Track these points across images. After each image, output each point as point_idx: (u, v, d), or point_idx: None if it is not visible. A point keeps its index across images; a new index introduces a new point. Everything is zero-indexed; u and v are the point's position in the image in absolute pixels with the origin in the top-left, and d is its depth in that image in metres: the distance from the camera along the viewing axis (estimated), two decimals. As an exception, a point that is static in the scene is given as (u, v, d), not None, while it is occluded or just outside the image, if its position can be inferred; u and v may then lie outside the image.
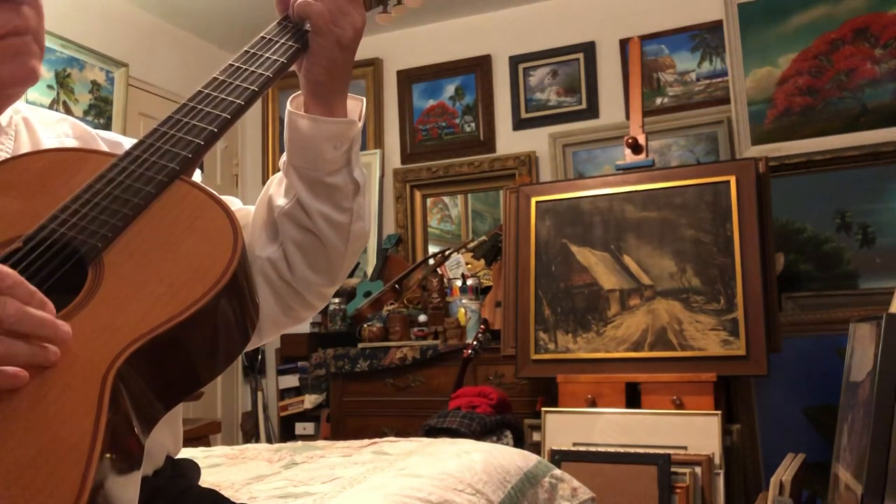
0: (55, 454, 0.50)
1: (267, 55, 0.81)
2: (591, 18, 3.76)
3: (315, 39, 0.81)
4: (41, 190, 0.69)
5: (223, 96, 0.77)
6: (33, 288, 0.55)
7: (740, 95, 3.22)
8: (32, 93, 3.08)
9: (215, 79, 0.79)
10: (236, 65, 0.81)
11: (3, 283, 0.53)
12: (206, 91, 0.78)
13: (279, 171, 0.90)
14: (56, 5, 3.16)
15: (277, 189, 0.90)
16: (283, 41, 0.83)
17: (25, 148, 0.83)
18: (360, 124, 0.87)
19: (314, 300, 0.94)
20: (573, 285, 2.77)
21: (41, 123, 0.89)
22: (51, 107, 3.12)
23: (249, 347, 0.95)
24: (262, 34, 0.85)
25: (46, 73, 3.17)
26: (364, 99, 0.88)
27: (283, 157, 0.88)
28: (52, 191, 0.69)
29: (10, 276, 0.53)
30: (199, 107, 0.76)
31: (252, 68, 0.80)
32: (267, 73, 0.80)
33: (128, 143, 0.94)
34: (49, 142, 0.87)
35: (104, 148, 0.90)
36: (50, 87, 3.19)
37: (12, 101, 0.83)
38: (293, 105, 0.87)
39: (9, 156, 0.81)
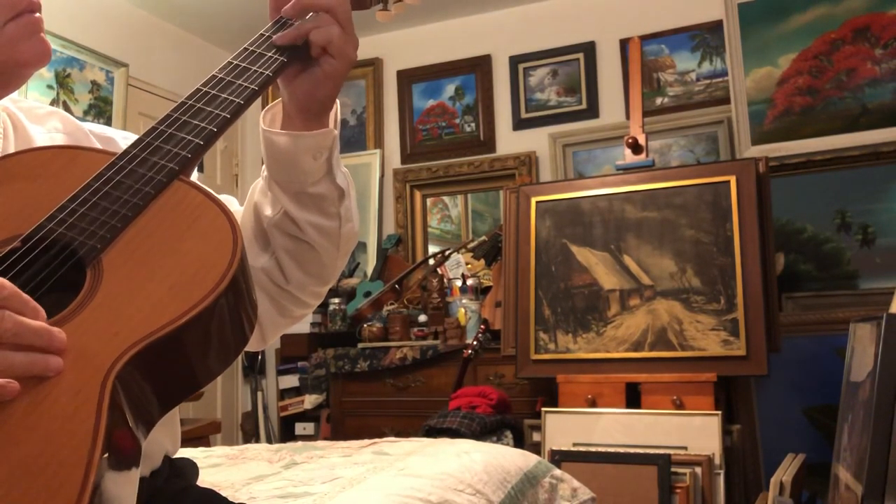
0: (55, 458, 0.50)
1: (268, 53, 0.80)
2: (591, 18, 3.76)
3: (329, 62, 0.79)
4: (39, 189, 0.68)
5: (223, 94, 0.75)
6: (27, 297, 0.54)
7: (740, 95, 3.21)
8: (32, 93, 3.08)
9: (214, 76, 0.78)
10: (236, 62, 0.79)
11: (0, 294, 0.52)
12: (206, 89, 0.76)
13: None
14: (56, 5, 3.16)
15: (263, 198, 0.88)
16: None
17: (14, 146, 0.81)
18: (338, 130, 0.85)
19: (310, 300, 0.94)
20: (573, 285, 2.77)
21: (30, 118, 0.87)
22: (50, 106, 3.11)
23: (254, 349, 0.95)
24: (261, 31, 0.84)
25: (46, 73, 3.17)
26: (337, 100, 0.86)
27: (264, 170, 0.87)
28: (49, 190, 0.68)
29: (5, 287, 0.53)
30: (199, 105, 0.74)
31: (253, 66, 0.78)
32: (267, 72, 0.78)
33: (119, 136, 0.93)
34: (40, 137, 0.85)
35: (95, 143, 0.88)
36: (50, 87, 3.18)
37: (24, 81, 0.81)
38: (266, 122, 0.86)
39: None
